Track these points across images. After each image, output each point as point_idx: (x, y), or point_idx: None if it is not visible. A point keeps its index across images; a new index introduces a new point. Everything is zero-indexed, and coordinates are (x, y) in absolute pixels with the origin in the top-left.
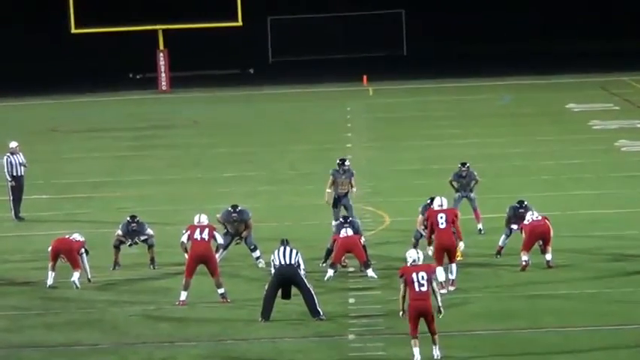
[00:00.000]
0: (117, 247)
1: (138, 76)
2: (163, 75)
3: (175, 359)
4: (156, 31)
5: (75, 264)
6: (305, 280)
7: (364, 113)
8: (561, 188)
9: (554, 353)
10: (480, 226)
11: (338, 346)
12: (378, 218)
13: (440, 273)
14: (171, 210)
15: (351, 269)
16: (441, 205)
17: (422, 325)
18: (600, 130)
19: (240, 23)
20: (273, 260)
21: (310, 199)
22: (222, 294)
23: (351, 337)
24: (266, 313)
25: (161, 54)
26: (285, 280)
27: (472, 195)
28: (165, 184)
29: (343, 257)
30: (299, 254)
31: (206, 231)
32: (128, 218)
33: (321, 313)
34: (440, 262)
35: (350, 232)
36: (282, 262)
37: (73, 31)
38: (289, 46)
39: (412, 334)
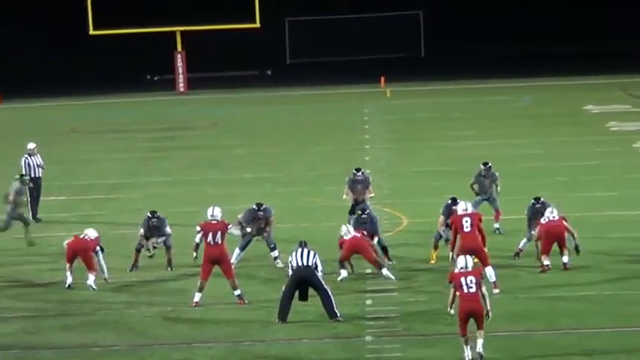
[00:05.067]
0: (138, 250)
1: (156, 78)
2: (181, 76)
3: None
4: (174, 32)
5: (90, 266)
6: (322, 282)
7: (382, 115)
8: (578, 189)
9: (572, 355)
10: (496, 225)
11: (355, 348)
12: (396, 219)
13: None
14: (190, 211)
15: (367, 271)
16: (466, 210)
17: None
18: (618, 132)
19: (257, 25)
20: (290, 262)
21: (328, 200)
22: (238, 295)
23: (368, 338)
24: (283, 315)
25: (179, 55)
26: (303, 281)
27: (494, 195)
28: (183, 186)
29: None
30: (317, 256)
31: (219, 234)
32: (148, 214)
33: (339, 315)
34: None
35: (365, 231)
36: (300, 264)
37: (92, 32)
38: (307, 48)
39: (461, 334)
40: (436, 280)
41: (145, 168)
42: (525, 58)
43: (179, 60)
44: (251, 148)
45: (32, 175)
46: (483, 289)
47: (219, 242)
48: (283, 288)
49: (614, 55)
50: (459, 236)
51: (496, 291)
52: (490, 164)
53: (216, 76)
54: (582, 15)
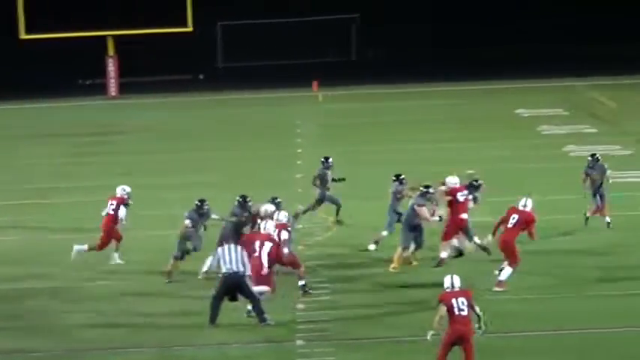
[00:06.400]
0: (179, 258)
1: (87, 82)
2: (112, 81)
3: None
4: (105, 37)
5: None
6: (250, 287)
7: (314, 119)
8: (509, 193)
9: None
10: (607, 219)
11: (286, 352)
12: (327, 223)
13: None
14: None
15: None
16: (525, 206)
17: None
18: (549, 136)
19: (190, 29)
20: (219, 259)
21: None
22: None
23: (299, 342)
24: (213, 318)
25: (110, 60)
26: (232, 287)
27: (603, 190)
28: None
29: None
30: (243, 252)
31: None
32: (197, 202)
33: (269, 319)
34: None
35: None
36: (230, 269)
37: (23, 36)
38: (239, 52)
39: None
40: (368, 283)
41: (76, 173)
42: (456, 61)
43: (110, 64)
44: (183, 153)
45: None
46: (477, 309)
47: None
48: (213, 292)
49: (545, 59)
50: (502, 227)
51: (499, 289)
52: (598, 156)
53: (148, 80)
54: (513, 20)
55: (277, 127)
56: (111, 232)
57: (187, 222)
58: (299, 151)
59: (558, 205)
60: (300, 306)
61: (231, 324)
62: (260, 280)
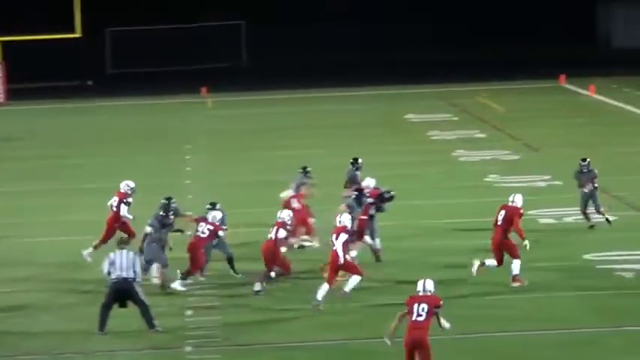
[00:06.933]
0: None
1: None
2: (0, 87)
3: None
4: None
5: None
6: (140, 294)
7: (204, 125)
8: (399, 198)
9: None
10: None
11: (174, 358)
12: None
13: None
14: (5, 223)
15: (189, 280)
16: (513, 202)
17: None
18: (439, 141)
19: (78, 34)
20: (109, 264)
21: (149, 212)
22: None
23: (187, 349)
24: (102, 325)
25: None
26: (121, 294)
27: (595, 192)
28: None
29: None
30: (136, 257)
31: (274, 230)
32: (164, 200)
33: (157, 325)
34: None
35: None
36: (119, 275)
37: None
38: (128, 58)
39: None
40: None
41: None
42: (346, 67)
43: None
44: (71, 160)
45: None
46: (442, 321)
47: (272, 238)
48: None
49: (434, 65)
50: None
51: (515, 284)
52: (588, 160)
53: (36, 86)
54: (399, 24)
55: (166, 133)
56: (112, 229)
57: (148, 229)
58: (187, 157)
59: (451, 210)
60: (190, 312)
61: (120, 331)
62: (341, 269)
